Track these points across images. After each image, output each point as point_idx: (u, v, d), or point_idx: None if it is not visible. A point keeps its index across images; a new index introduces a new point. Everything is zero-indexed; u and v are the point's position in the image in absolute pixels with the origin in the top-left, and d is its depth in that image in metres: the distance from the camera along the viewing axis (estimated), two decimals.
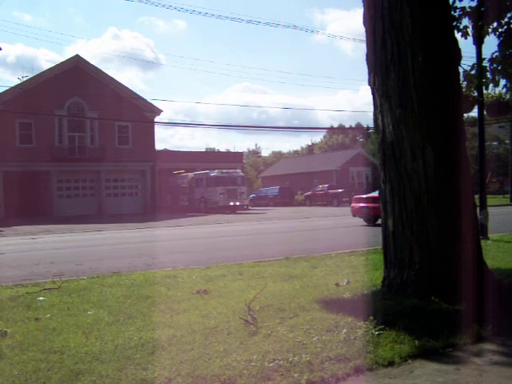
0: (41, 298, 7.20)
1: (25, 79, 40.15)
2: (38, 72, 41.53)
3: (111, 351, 4.64)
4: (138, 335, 5.12)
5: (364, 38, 7.06)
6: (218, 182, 40.37)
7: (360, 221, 21.75)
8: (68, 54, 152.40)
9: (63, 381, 3.95)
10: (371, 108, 7.05)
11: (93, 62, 40.21)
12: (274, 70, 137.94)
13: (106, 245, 17.09)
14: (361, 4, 7.07)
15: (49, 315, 6.15)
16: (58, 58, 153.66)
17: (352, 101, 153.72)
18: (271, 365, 4.17)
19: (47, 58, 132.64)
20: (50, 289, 7.88)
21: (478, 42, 12.04)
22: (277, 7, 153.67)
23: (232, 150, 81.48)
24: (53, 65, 42.37)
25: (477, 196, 9.96)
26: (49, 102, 37.69)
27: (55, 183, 39.98)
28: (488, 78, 9.46)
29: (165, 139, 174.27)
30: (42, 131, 39.01)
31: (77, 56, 41.53)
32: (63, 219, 33.24)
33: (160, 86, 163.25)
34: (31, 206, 36.54)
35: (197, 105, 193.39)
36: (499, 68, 9.17)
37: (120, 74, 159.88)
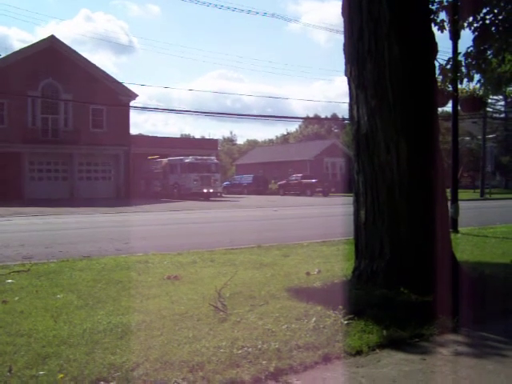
0: (9, 281, 7.10)
1: None
2: (11, 51, 40.89)
3: (79, 335, 4.60)
4: (107, 320, 5.08)
5: (341, 29, 7.06)
6: (192, 169, 40.24)
7: (334, 211, 21.84)
8: (40, 35, 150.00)
9: (30, 364, 3.90)
10: (346, 99, 7.06)
11: (65, 43, 39.74)
12: (250, 58, 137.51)
13: (78, 229, 16.95)
14: None
15: (17, 298, 6.07)
16: (30, 38, 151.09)
17: (326, 91, 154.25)
18: (240, 352, 4.17)
19: (19, 38, 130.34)
20: (18, 271, 7.78)
21: (454, 37, 12.12)
22: None
23: (207, 137, 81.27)
24: (25, 45, 41.80)
25: (448, 190, 10.07)
26: (22, 83, 37.07)
27: (27, 165, 39.46)
28: (463, 73, 9.54)
29: (138, 124, 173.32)
30: (14, 112, 38.40)
31: (52, 36, 40.90)
32: (35, 202, 32.84)
33: (133, 71, 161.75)
34: (2, 187, 35.99)
35: (171, 90, 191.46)
36: (474, 63, 9.27)
37: (93, 57, 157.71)
